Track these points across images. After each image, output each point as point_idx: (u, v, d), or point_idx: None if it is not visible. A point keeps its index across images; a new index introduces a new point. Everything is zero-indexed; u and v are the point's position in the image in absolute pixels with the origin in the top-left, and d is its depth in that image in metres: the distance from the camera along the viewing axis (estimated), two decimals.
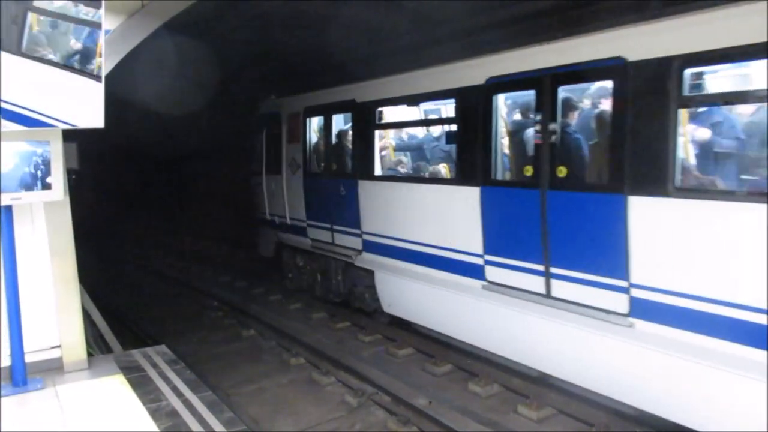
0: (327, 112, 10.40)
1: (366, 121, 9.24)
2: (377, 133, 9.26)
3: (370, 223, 9.14)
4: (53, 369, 6.45)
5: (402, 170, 9.47)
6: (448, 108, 9.28)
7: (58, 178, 5.83)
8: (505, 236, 7.06)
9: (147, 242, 22.19)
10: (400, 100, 9.02)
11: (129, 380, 6.31)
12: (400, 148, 9.95)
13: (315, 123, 10.99)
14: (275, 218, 12.40)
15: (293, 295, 13.01)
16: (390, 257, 8.89)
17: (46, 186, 5.76)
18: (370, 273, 9.53)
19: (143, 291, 15.07)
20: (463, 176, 7.63)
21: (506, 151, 7.33)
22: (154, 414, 5.49)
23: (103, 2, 5.40)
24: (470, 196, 7.36)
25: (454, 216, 7.76)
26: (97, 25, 5.42)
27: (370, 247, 9.28)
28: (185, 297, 14.02)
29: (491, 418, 7.06)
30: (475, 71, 7.27)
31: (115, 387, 6.17)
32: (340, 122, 10.56)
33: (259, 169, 12.94)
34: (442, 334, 8.71)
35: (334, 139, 10.31)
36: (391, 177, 9.21)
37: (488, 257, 7.31)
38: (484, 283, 7.44)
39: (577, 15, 6.80)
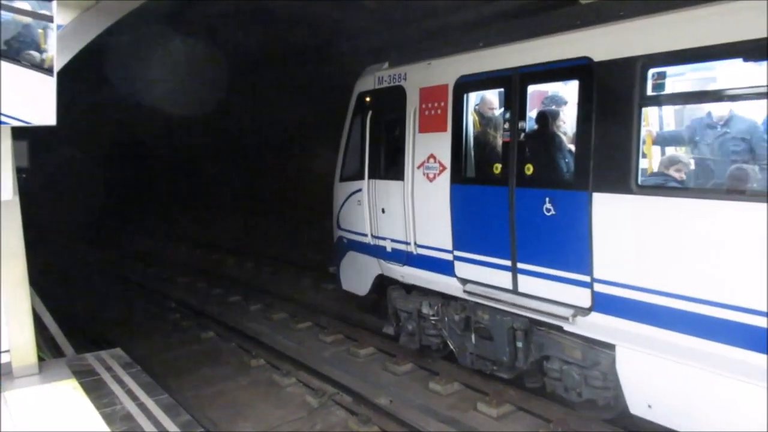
0: (511, 82, 6.53)
1: (616, 93, 5.47)
2: (644, 113, 5.44)
3: (616, 265, 5.53)
4: (2, 374, 6.23)
5: (678, 176, 5.38)
6: None
7: (7, 177, 5.64)
8: None
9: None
10: (716, 51, 4.82)
11: (82, 384, 6.15)
12: (673, 139, 5.89)
13: (481, 100, 7.33)
14: (383, 243, 8.55)
15: (253, 296, 12.90)
16: (662, 326, 5.22)
17: None
18: (601, 348, 5.99)
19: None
20: None
21: None
22: (108, 418, 5.37)
23: None
24: None
25: None
26: (48, 19, 5.26)
27: (612, 304, 5.59)
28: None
29: (452, 416, 7.14)
30: None
31: (67, 392, 6.00)
32: (543, 98, 7.03)
33: (354, 173, 9.07)
34: None
35: (529, 126, 6.48)
36: (673, 189, 5.31)
37: None
38: None
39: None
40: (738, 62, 4.77)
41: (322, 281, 13.75)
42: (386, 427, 6.87)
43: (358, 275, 9.43)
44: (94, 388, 6.07)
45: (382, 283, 8.93)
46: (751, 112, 5.10)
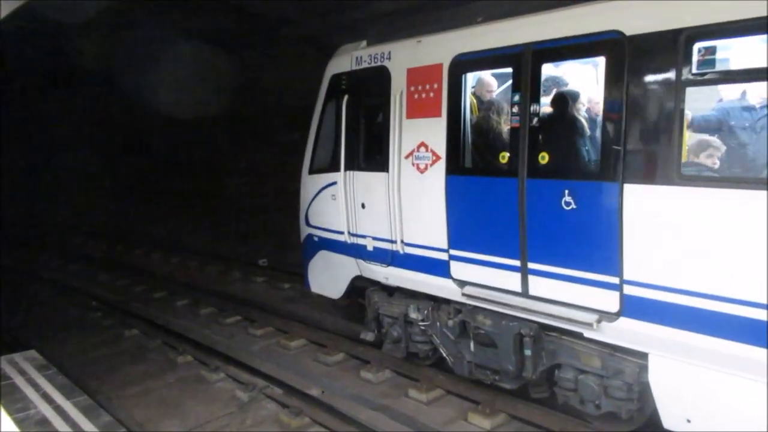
0: (521, 60, 5.71)
1: (654, 71, 4.83)
2: (689, 94, 4.69)
3: (651, 265, 4.92)
4: None
5: (711, 165, 4.87)
6: None
7: None
8: None
9: None
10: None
11: None
12: (724, 123, 4.97)
13: (482, 82, 6.55)
14: (362, 241, 7.68)
15: (178, 292, 12.55)
16: (706, 333, 4.66)
17: None
18: (627, 356, 5.49)
19: None
20: None
21: None
22: (22, 424, 5.13)
23: None
24: None
25: None
26: None
27: (645, 309, 4.98)
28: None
29: (383, 403, 7.24)
30: None
31: None
32: (560, 78, 6.20)
33: (327, 164, 8.16)
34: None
35: (544, 109, 5.75)
36: (725, 180, 4.70)
37: None
38: None
39: None
40: None
41: (251, 274, 13.58)
42: (318, 418, 6.84)
43: (331, 277, 8.57)
44: (6, 393, 5.75)
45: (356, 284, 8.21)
46: None
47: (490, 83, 6.57)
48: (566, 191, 5.34)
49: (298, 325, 9.92)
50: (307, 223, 8.75)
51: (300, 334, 9.51)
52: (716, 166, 4.78)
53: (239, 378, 8.03)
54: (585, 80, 6.04)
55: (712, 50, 4.71)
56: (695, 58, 4.60)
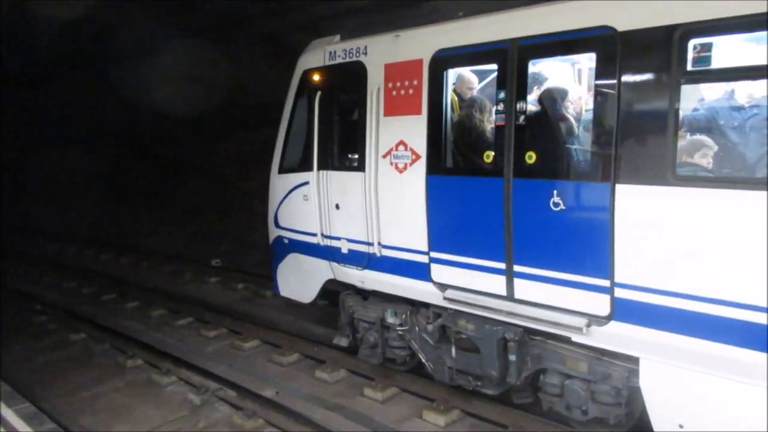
0: (507, 56, 5.53)
1: (648, 68, 4.73)
2: (684, 92, 4.62)
3: (644, 267, 4.82)
4: None
5: (707, 165, 4.80)
6: None
7: None
8: None
9: None
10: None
11: None
12: (721, 122, 4.92)
13: (462, 79, 6.40)
14: (336, 243, 7.39)
15: (129, 293, 12.25)
16: (701, 336, 4.56)
17: None
18: (615, 360, 5.39)
19: None
20: None
21: None
22: None
23: None
24: None
25: None
26: None
27: (637, 312, 4.86)
28: None
29: (339, 402, 7.21)
30: None
31: None
32: (548, 74, 6.01)
33: (299, 163, 7.85)
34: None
35: (531, 107, 5.62)
36: (721, 180, 4.63)
37: None
38: None
39: None
40: None
41: (205, 275, 13.38)
42: (272, 420, 6.77)
43: (302, 280, 8.23)
44: None
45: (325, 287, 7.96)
46: None
47: (471, 80, 6.40)
48: (555, 191, 5.20)
49: (253, 325, 9.82)
50: (277, 225, 8.41)
51: (254, 334, 9.40)
52: (712, 166, 4.69)
53: (191, 381, 7.89)
54: (575, 77, 5.94)
55: (707, 47, 4.65)
56: (690, 55, 4.49)
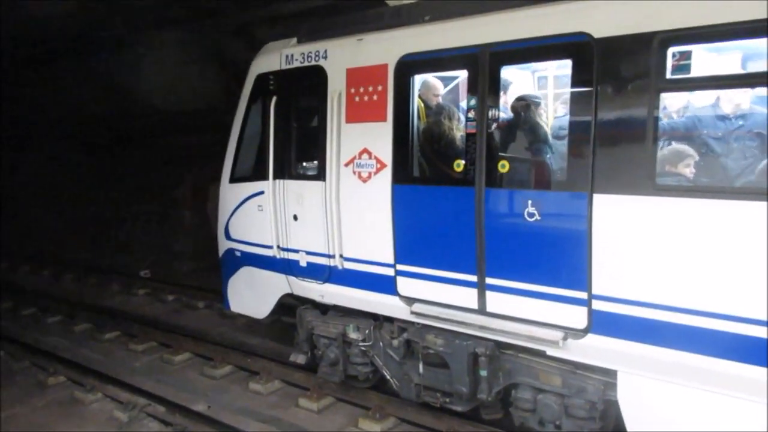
0: (478, 62, 5.35)
1: (626, 75, 4.61)
2: (663, 100, 4.68)
3: (622, 278, 4.70)
4: None
5: (689, 175, 4.77)
6: None
7: None
8: None
9: None
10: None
11: None
12: (679, 133, 5.11)
13: (427, 85, 6.23)
14: (294, 256, 7.04)
15: (50, 308, 11.68)
16: (683, 349, 4.49)
17: None
18: (591, 373, 5.26)
19: None
20: None
21: None
22: None
23: None
24: None
25: None
26: None
27: (616, 324, 4.77)
28: None
29: (273, 414, 7.14)
30: None
31: None
32: (518, 81, 6.06)
33: (252, 172, 7.50)
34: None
35: (504, 115, 5.63)
36: (704, 190, 4.51)
37: None
38: None
39: None
40: None
41: (132, 286, 12.96)
42: None
43: (256, 295, 7.82)
44: None
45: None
46: None
47: (437, 86, 6.24)
48: (530, 201, 5.05)
49: (183, 338, 9.56)
50: (228, 237, 7.97)
51: (185, 347, 9.16)
52: (692, 176, 4.65)
53: (118, 397, 7.62)
54: (549, 84, 5.84)
55: (686, 55, 4.64)
56: (669, 63, 4.44)
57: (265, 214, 7.19)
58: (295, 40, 7.09)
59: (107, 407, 7.49)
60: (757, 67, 4.40)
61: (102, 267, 15.00)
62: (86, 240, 17.85)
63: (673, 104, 5.01)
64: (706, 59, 4.79)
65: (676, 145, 4.82)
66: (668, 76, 4.45)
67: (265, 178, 7.11)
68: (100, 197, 18.21)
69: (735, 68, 4.63)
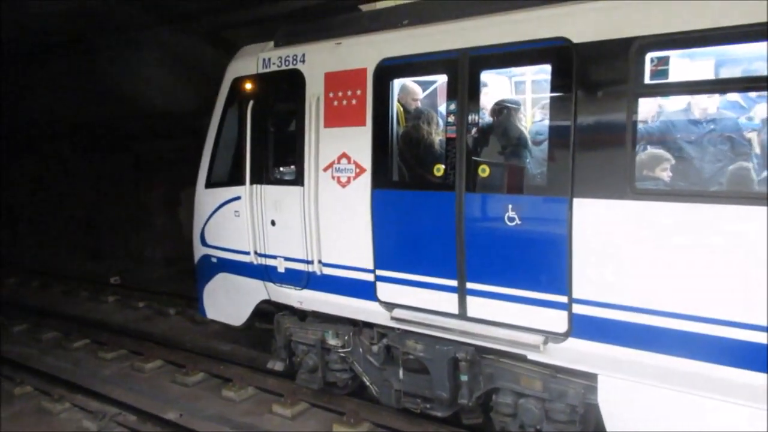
0: (457, 66, 5.35)
1: (605, 80, 4.71)
2: (641, 105, 4.69)
3: (602, 282, 4.73)
4: None
5: (667, 178, 4.87)
6: None
7: None
8: None
9: None
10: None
11: None
12: (658, 137, 5.20)
13: (406, 89, 6.25)
14: (272, 262, 6.98)
15: (16, 317, 11.41)
16: (664, 352, 4.51)
17: None
18: (571, 377, 5.28)
19: None
20: None
21: None
22: None
23: None
24: None
25: None
26: None
27: (596, 328, 4.80)
28: None
29: (247, 421, 7.08)
30: None
31: None
32: (498, 86, 6.10)
33: (229, 177, 7.47)
34: None
35: (484, 119, 5.63)
36: (681, 194, 4.61)
37: None
38: None
39: None
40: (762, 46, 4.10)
41: (102, 293, 12.75)
42: None
43: (232, 301, 7.72)
44: None
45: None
46: None
47: (416, 91, 6.24)
48: (510, 206, 5.06)
49: (155, 345, 9.45)
50: (203, 243, 7.86)
51: (156, 355, 9.04)
52: (671, 180, 4.71)
53: (88, 407, 7.50)
54: (529, 88, 5.87)
55: (665, 61, 4.68)
56: (648, 68, 4.49)
57: (241, 220, 7.10)
58: (272, 43, 7.04)
59: (76, 417, 7.35)
60: (732, 72, 4.52)
61: (71, 274, 14.71)
62: (55, 245, 17.51)
63: (651, 109, 5.09)
64: (683, 65, 4.89)
65: (653, 149, 4.89)
66: (647, 81, 4.51)
67: (241, 183, 7.03)
68: (69, 202, 17.90)
69: (711, 74, 4.75)
